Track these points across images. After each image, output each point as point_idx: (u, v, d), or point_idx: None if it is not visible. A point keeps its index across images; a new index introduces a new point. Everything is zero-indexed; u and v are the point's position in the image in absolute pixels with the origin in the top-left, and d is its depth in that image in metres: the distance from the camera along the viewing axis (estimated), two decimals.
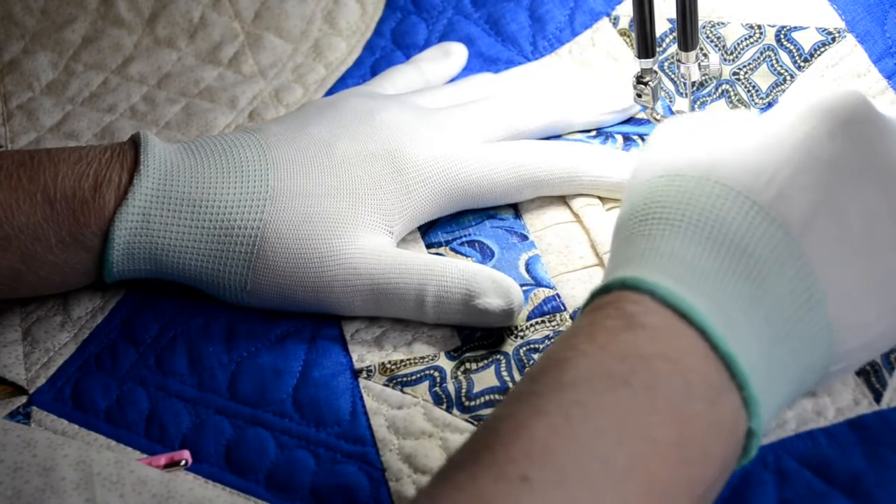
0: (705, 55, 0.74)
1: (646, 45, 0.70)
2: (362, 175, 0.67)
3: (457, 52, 0.82)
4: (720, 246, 0.51)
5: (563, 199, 0.72)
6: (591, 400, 0.47)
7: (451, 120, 0.70)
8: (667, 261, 0.51)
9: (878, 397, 0.59)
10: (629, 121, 0.77)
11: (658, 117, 0.73)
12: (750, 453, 0.51)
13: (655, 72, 0.71)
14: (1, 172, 0.64)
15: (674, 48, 0.77)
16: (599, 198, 0.72)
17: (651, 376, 0.48)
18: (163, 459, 0.61)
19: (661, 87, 0.72)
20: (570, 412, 0.47)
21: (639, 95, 0.72)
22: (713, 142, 0.55)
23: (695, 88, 0.74)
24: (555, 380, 0.48)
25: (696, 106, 0.76)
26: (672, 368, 0.49)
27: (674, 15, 0.70)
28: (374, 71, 0.82)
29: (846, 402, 0.60)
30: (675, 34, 0.77)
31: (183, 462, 0.61)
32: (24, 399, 0.65)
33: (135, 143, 0.66)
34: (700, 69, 0.71)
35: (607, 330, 0.50)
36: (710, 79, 0.76)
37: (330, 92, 0.82)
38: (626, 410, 0.47)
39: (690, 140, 0.56)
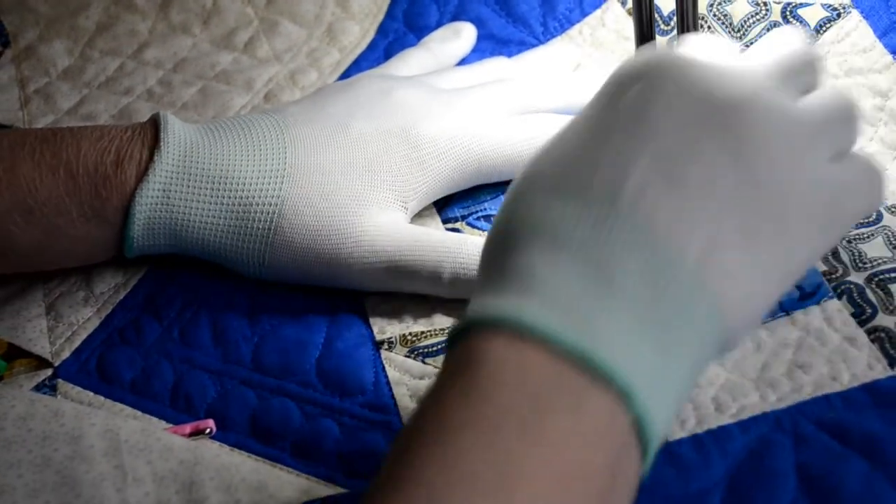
0: None
1: (644, 40, 0.71)
2: (378, 152, 0.68)
3: (466, 32, 0.82)
4: (562, 250, 0.47)
5: None
6: (437, 459, 0.44)
7: (465, 98, 0.71)
8: (508, 282, 0.48)
9: (892, 362, 0.60)
10: None
11: None
12: (650, 439, 0.46)
13: None
14: (24, 148, 0.65)
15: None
16: None
17: (492, 413, 0.44)
18: (188, 428, 0.61)
19: None
20: (420, 478, 0.44)
21: None
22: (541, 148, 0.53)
23: None
24: (402, 450, 0.45)
25: None
26: (514, 397, 0.45)
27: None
28: (388, 54, 0.83)
29: (861, 367, 0.60)
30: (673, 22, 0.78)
31: (208, 430, 0.61)
32: (49, 372, 0.65)
33: (155, 123, 0.67)
34: None
35: (447, 378, 0.46)
36: None
37: (344, 75, 0.82)
38: (475, 459, 0.44)
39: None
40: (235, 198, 0.65)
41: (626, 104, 0.50)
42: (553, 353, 0.45)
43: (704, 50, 0.53)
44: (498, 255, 0.49)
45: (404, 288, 0.67)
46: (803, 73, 0.55)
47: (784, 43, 0.55)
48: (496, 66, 0.78)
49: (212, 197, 0.65)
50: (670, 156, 0.48)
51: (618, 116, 0.50)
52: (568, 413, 0.45)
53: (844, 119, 0.54)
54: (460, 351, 0.47)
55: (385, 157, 0.68)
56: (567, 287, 0.46)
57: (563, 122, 0.71)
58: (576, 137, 0.51)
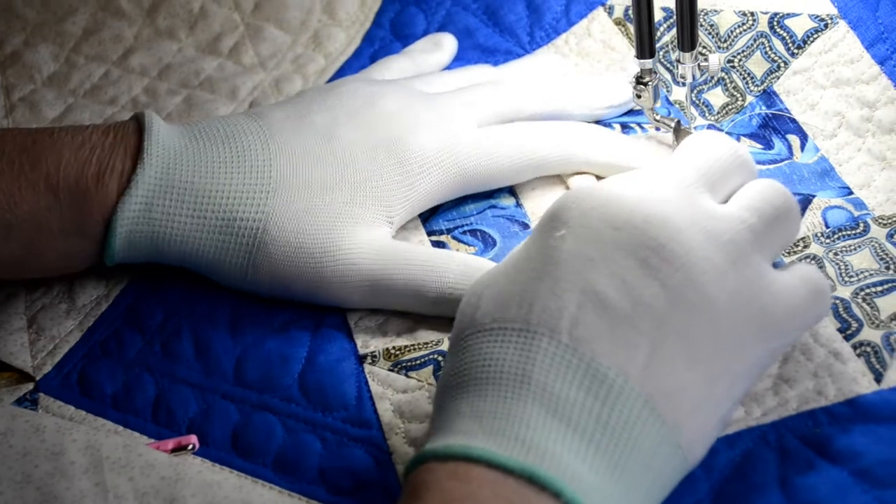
0: (705, 55, 0.75)
1: (645, 45, 0.71)
2: (364, 167, 0.67)
3: (447, 44, 0.82)
4: (498, 384, 0.51)
5: (564, 187, 0.73)
6: None
7: (451, 104, 0.71)
8: (450, 423, 0.51)
9: (878, 377, 0.60)
10: (628, 112, 0.78)
11: (657, 118, 0.74)
12: None
13: (655, 72, 0.72)
14: (3, 159, 0.64)
15: (669, 36, 0.78)
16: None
17: None
18: (170, 444, 0.61)
19: (660, 79, 0.73)
20: None
21: (638, 96, 0.72)
22: (477, 286, 0.55)
23: (695, 92, 0.75)
24: None
25: (693, 96, 0.77)
26: None
27: (668, 3, 0.70)
28: (374, 61, 0.83)
29: (846, 381, 0.60)
30: (668, 22, 0.78)
31: (190, 446, 0.61)
32: (30, 386, 0.65)
33: (138, 123, 0.66)
34: (700, 69, 0.71)
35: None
36: (710, 78, 0.76)
37: (329, 82, 0.82)
38: None
39: (467, 293, 0.56)
40: (219, 212, 0.65)
41: (552, 243, 0.54)
42: (499, 474, 0.48)
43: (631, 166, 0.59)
44: (448, 401, 0.52)
45: (387, 305, 0.67)
46: (732, 175, 0.57)
47: (708, 146, 0.58)
48: (481, 72, 0.78)
49: (195, 211, 0.65)
50: (599, 285, 0.51)
51: (542, 254, 0.54)
52: None
53: (778, 218, 0.56)
54: (409, 483, 0.50)
55: (371, 172, 0.67)
56: (510, 416, 0.50)
57: (547, 130, 0.72)
58: (506, 275, 0.54)
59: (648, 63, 0.71)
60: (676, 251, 0.52)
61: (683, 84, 0.72)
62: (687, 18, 0.69)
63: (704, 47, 0.77)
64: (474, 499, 0.47)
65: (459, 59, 0.83)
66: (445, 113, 0.70)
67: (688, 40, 0.70)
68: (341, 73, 0.83)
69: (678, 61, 0.71)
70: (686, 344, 0.51)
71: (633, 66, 0.72)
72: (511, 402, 0.50)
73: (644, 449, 0.50)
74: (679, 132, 0.73)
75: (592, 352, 0.50)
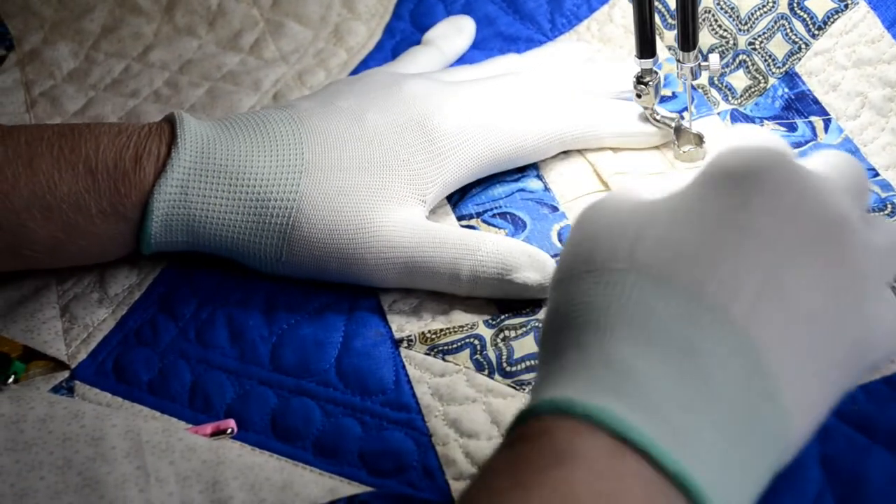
0: (705, 55, 0.75)
1: (645, 45, 0.71)
2: (394, 146, 0.67)
3: (467, 27, 0.83)
4: (659, 349, 0.46)
5: (592, 169, 0.73)
6: None
7: (475, 89, 0.71)
8: (602, 373, 0.46)
9: None
10: None
11: (658, 117, 0.74)
12: None
13: (655, 72, 0.72)
14: (42, 143, 0.65)
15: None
16: (627, 167, 0.73)
17: None
18: (209, 428, 0.61)
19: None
20: None
21: (638, 96, 0.73)
22: (632, 224, 0.50)
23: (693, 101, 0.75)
24: None
25: (715, 80, 0.77)
26: None
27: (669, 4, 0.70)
28: (395, 54, 0.83)
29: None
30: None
31: (229, 430, 0.61)
32: (66, 374, 0.65)
33: (170, 121, 0.67)
34: (700, 69, 0.71)
35: (535, 468, 0.44)
36: (711, 78, 0.77)
37: (352, 75, 0.81)
38: None
39: (610, 225, 0.51)
40: (253, 193, 0.65)
41: (737, 205, 0.49)
42: (652, 468, 0.44)
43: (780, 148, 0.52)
44: (582, 336, 0.47)
45: (421, 285, 0.66)
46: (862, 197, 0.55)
47: (844, 163, 0.55)
48: (506, 62, 0.78)
49: (229, 192, 0.65)
50: (784, 274, 0.48)
51: (730, 218, 0.49)
52: None
53: None
54: (543, 438, 0.45)
55: (401, 151, 0.67)
56: (666, 395, 0.45)
57: (571, 108, 0.72)
58: (679, 227, 0.49)
59: (648, 63, 0.71)
60: (857, 259, 0.50)
61: (685, 84, 0.72)
62: (688, 17, 0.69)
63: (725, 30, 0.77)
64: (628, 497, 0.44)
65: (481, 49, 0.83)
66: (470, 97, 0.70)
67: (689, 40, 0.70)
68: (364, 66, 0.83)
69: (679, 61, 0.71)
70: (837, 365, 0.49)
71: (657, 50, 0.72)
72: (672, 381, 0.45)
73: (769, 458, 0.47)
74: (680, 132, 0.73)
75: (761, 347, 0.46)
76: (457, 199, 0.72)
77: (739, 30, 0.76)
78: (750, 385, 0.46)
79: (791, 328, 0.47)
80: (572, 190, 0.72)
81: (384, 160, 0.67)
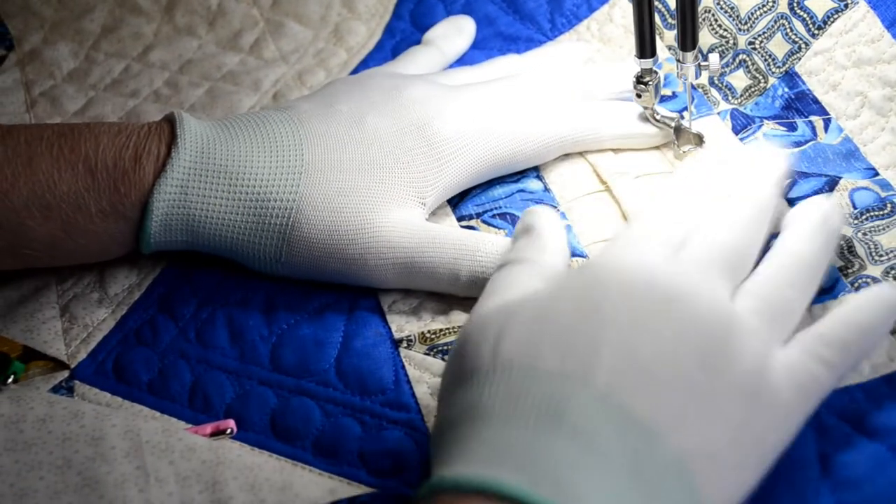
0: (705, 54, 0.75)
1: (645, 45, 0.71)
2: (394, 149, 0.67)
3: (467, 27, 0.83)
4: (533, 421, 0.48)
5: (592, 169, 0.73)
6: None
7: (475, 93, 0.71)
8: (484, 451, 0.48)
9: None
10: None
11: (658, 117, 0.74)
12: None
13: (655, 72, 0.72)
14: (42, 142, 0.65)
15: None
16: (627, 167, 0.73)
17: None
18: (208, 428, 0.61)
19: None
20: None
21: (638, 96, 0.73)
22: (493, 326, 0.53)
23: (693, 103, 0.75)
24: None
25: (715, 79, 0.77)
26: None
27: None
28: (395, 53, 0.83)
29: (881, 359, 0.60)
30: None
31: (228, 430, 0.61)
32: (66, 373, 0.65)
33: (170, 121, 0.67)
34: (700, 69, 0.71)
35: None
36: (711, 77, 0.77)
37: (352, 75, 0.82)
38: None
39: (472, 333, 0.54)
40: (252, 193, 0.65)
41: (588, 306, 0.52)
42: None
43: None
44: (462, 430, 0.49)
45: (421, 285, 0.66)
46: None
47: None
48: (506, 63, 0.78)
49: (229, 192, 0.65)
50: (636, 343, 0.50)
51: (582, 307, 0.52)
52: None
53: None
54: None
55: (401, 153, 0.67)
56: (549, 458, 0.47)
57: (569, 111, 0.72)
58: (538, 321, 0.52)
59: (648, 63, 0.71)
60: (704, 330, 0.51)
61: (685, 83, 0.72)
62: (688, 17, 0.69)
63: (725, 30, 0.77)
64: None
65: (481, 48, 0.83)
66: (470, 101, 0.70)
67: (689, 40, 0.70)
68: (364, 66, 0.83)
69: (679, 61, 0.71)
70: (723, 415, 0.50)
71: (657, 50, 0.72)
72: (543, 440, 0.47)
73: None
74: (680, 132, 0.73)
75: (628, 403, 0.49)
76: (457, 199, 0.72)
77: (739, 29, 0.76)
78: (622, 435, 0.48)
79: (657, 386, 0.49)
80: (572, 190, 0.72)
81: (384, 162, 0.67)
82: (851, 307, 0.55)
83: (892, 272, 0.64)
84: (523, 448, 0.47)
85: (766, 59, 0.76)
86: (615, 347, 0.50)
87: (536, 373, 0.49)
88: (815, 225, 0.59)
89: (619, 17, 0.82)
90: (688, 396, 0.50)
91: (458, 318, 0.65)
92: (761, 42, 0.76)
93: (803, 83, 0.75)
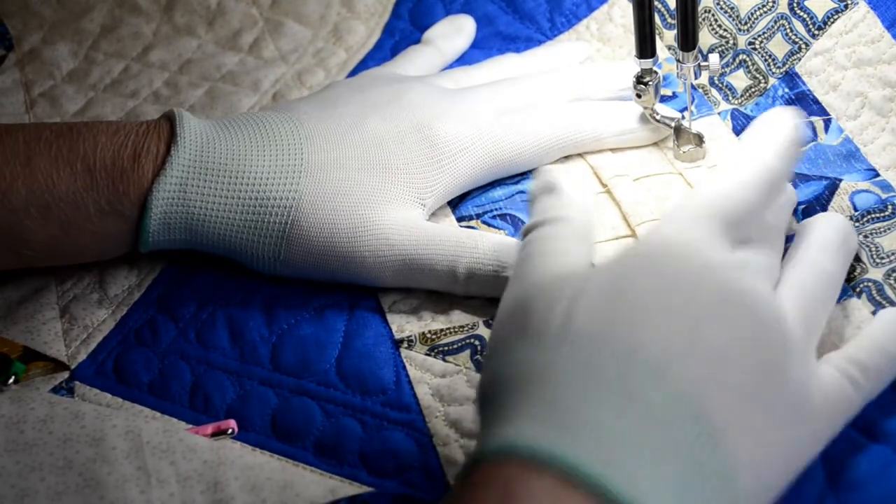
0: (705, 54, 0.75)
1: (645, 45, 0.71)
2: (394, 150, 0.67)
3: (467, 26, 0.83)
4: (599, 396, 0.47)
5: (591, 171, 0.73)
6: None
7: (475, 97, 0.71)
8: (544, 417, 0.47)
9: None
10: None
11: (658, 117, 0.74)
12: None
13: (655, 72, 0.72)
14: (41, 142, 0.65)
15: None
16: (627, 169, 0.72)
17: None
18: (209, 429, 0.61)
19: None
20: None
21: (638, 96, 0.72)
22: (565, 291, 0.52)
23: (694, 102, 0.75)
24: None
25: (715, 80, 0.77)
26: None
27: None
28: (394, 53, 0.83)
29: None
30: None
31: (230, 431, 0.61)
32: (66, 374, 0.65)
33: (169, 119, 0.67)
34: (700, 69, 0.71)
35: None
36: (711, 78, 0.77)
37: (351, 75, 0.82)
38: None
39: (538, 295, 0.52)
40: (252, 192, 0.65)
41: (658, 284, 0.51)
42: (598, 501, 0.44)
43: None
44: (522, 396, 0.48)
45: (419, 283, 0.67)
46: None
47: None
48: (506, 64, 0.78)
49: (228, 191, 0.65)
50: (704, 332, 0.50)
51: (651, 291, 0.51)
52: None
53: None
54: (487, 481, 0.45)
55: (401, 155, 0.67)
56: (609, 436, 0.46)
57: (569, 114, 0.72)
58: (609, 298, 0.51)
59: (648, 63, 0.71)
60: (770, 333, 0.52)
61: (685, 83, 0.72)
62: (688, 17, 0.69)
63: (725, 30, 0.77)
64: None
65: (481, 48, 0.83)
66: (470, 105, 0.70)
67: (689, 40, 0.69)
68: (363, 65, 0.83)
69: (679, 61, 0.71)
70: (772, 408, 0.50)
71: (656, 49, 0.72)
72: (611, 423, 0.46)
73: (709, 495, 0.48)
74: (680, 132, 0.73)
75: (698, 400, 0.48)
76: (457, 200, 0.72)
77: (739, 30, 0.76)
78: (689, 429, 0.47)
79: (723, 382, 0.49)
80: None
81: (384, 163, 0.67)
82: (883, 333, 0.57)
83: (894, 275, 0.63)
84: (599, 429, 0.46)
85: (766, 60, 0.76)
86: (688, 339, 0.49)
87: (613, 351, 0.48)
88: (837, 244, 0.60)
89: (618, 16, 0.82)
90: (750, 401, 0.49)
91: (458, 318, 0.65)
92: (761, 42, 0.76)
93: (803, 84, 0.75)
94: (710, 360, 0.49)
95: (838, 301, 0.63)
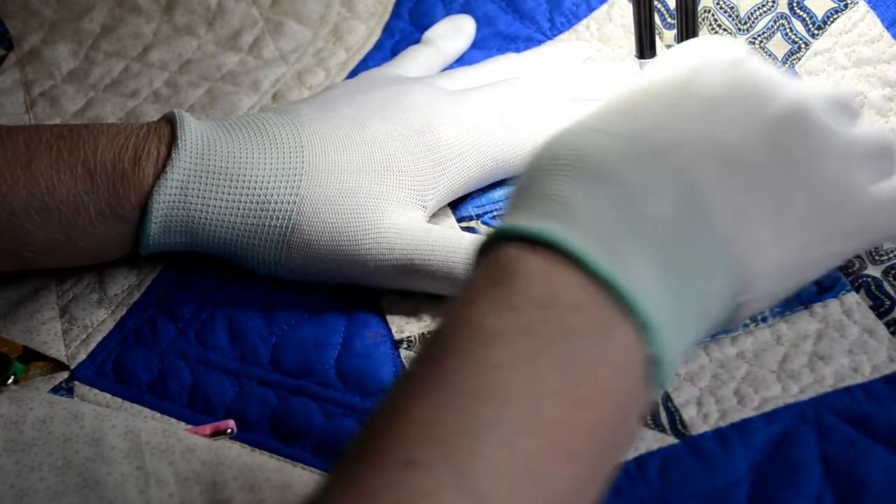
0: None
1: (645, 45, 0.71)
2: (396, 152, 0.67)
3: (467, 26, 0.83)
4: (589, 179, 0.49)
5: None
6: (467, 365, 0.45)
7: (475, 98, 0.71)
8: (542, 205, 0.49)
9: None
10: None
11: None
12: (660, 381, 0.48)
13: None
14: (41, 144, 0.65)
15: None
16: None
17: (524, 327, 0.45)
18: (208, 429, 0.61)
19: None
20: (446, 382, 0.44)
21: None
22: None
23: None
24: (430, 355, 0.46)
25: None
26: (547, 314, 0.46)
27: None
28: (395, 53, 0.83)
29: (881, 359, 0.60)
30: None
31: (229, 431, 0.61)
32: (65, 374, 0.65)
33: (170, 121, 0.67)
34: None
35: (477, 290, 0.47)
36: None
37: (351, 75, 0.82)
38: (506, 368, 0.45)
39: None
40: (253, 195, 0.65)
41: (697, 82, 0.53)
42: (584, 277, 0.47)
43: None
44: (535, 181, 0.51)
45: (420, 287, 0.67)
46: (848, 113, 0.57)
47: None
48: (505, 64, 0.78)
49: (229, 194, 0.65)
50: (726, 136, 0.51)
51: (676, 85, 0.53)
52: (597, 340, 0.46)
53: (885, 153, 0.56)
54: (491, 262, 0.48)
55: (402, 157, 0.67)
56: (602, 218, 0.48)
57: (566, 112, 0.72)
58: (629, 93, 0.54)
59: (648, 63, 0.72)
60: (811, 141, 0.53)
61: None
62: (688, 18, 0.69)
63: (725, 30, 0.77)
64: (560, 301, 0.46)
65: (481, 48, 0.83)
66: (471, 106, 0.70)
67: (689, 39, 0.70)
68: (363, 65, 0.83)
69: None
70: (784, 216, 0.51)
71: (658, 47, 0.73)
72: (600, 202, 0.49)
73: (707, 290, 0.49)
74: None
75: (697, 184, 0.50)
76: (457, 200, 0.72)
77: (739, 29, 0.77)
78: (679, 212, 0.49)
79: (731, 179, 0.50)
80: None
81: (385, 165, 0.67)
82: None
83: (893, 272, 0.64)
84: (580, 209, 0.48)
85: (766, 60, 0.76)
86: (700, 132, 0.51)
87: (618, 138, 0.51)
88: None
89: (618, 16, 0.82)
90: (762, 194, 0.51)
91: None
92: (761, 42, 0.76)
93: None
94: (717, 149, 0.50)
95: (836, 295, 0.63)
